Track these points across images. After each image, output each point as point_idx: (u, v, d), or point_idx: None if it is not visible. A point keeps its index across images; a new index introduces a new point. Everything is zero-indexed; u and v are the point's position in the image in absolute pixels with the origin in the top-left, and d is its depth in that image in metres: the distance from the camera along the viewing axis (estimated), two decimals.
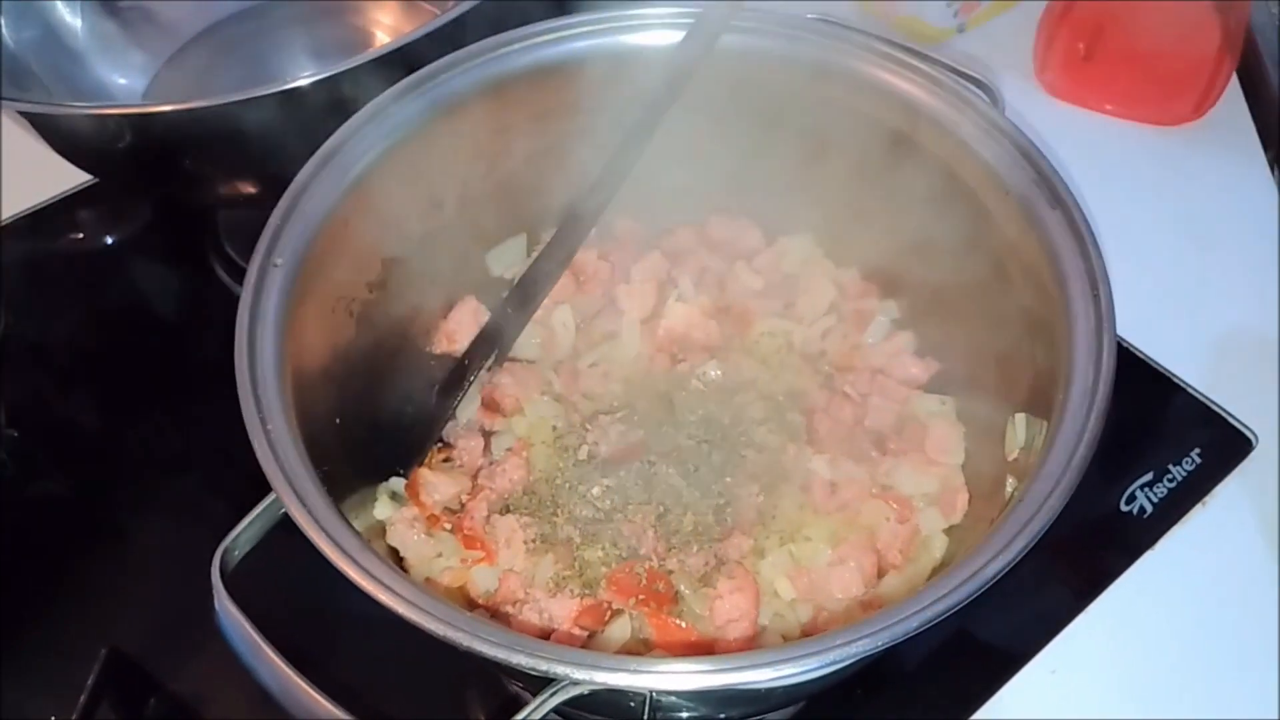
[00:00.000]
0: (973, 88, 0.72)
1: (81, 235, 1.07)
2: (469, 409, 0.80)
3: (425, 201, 0.78)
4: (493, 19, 0.82)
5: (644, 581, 0.67)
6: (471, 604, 0.70)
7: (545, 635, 0.66)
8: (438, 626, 0.50)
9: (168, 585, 0.79)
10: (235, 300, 0.96)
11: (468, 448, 0.77)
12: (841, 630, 0.49)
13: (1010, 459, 0.67)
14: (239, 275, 0.99)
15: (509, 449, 0.77)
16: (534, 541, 0.70)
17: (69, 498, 0.88)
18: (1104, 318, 0.59)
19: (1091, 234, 0.62)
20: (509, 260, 0.87)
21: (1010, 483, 0.64)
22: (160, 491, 0.86)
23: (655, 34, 0.78)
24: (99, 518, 0.85)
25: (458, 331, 0.81)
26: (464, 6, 0.82)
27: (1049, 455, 0.55)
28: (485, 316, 0.82)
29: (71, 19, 1.01)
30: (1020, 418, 0.67)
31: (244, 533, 0.59)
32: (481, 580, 0.70)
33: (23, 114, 0.79)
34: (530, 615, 0.67)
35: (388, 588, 0.52)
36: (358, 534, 0.56)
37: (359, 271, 0.74)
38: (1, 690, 0.75)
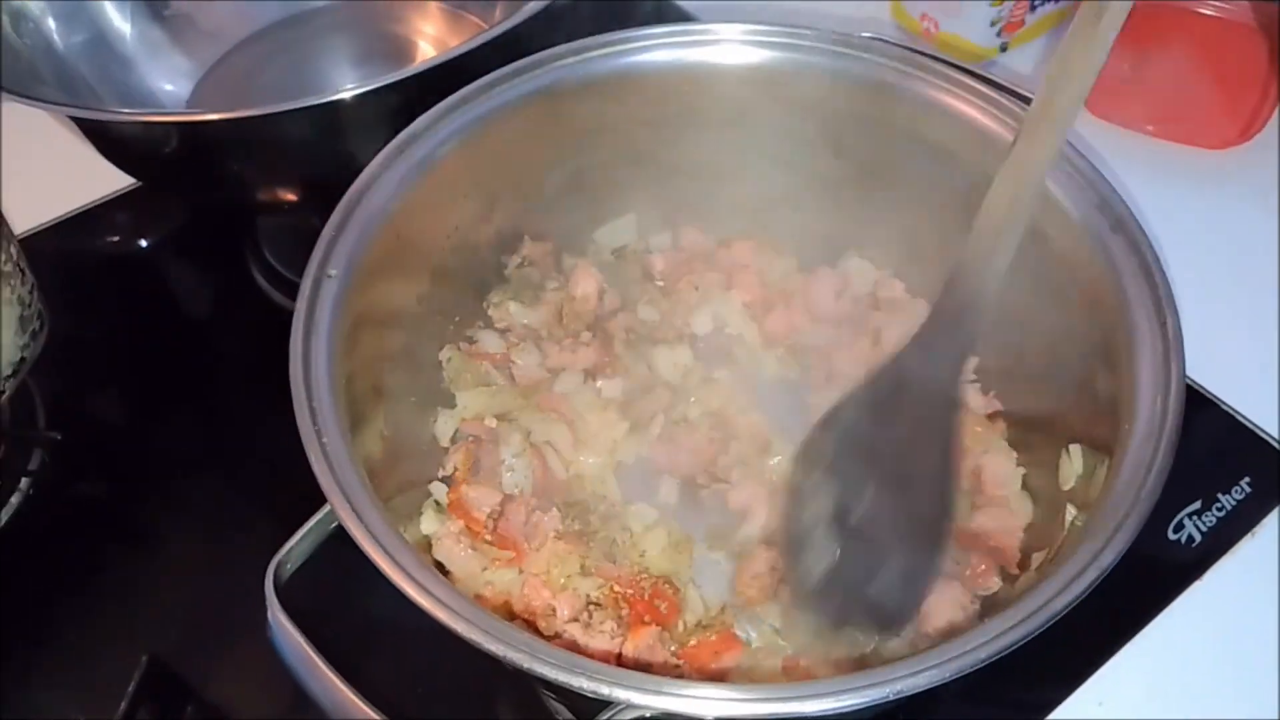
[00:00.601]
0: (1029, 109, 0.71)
1: (118, 239, 1.07)
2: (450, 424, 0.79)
3: (473, 215, 0.78)
4: (541, 34, 0.82)
5: (646, 596, 0.67)
6: (512, 615, 0.69)
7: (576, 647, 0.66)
8: (497, 647, 0.50)
9: (207, 592, 0.79)
10: (274, 305, 0.99)
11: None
12: (909, 660, 0.48)
13: (1066, 488, 0.66)
14: (277, 281, 1.01)
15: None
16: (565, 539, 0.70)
17: (109, 501, 0.87)
18: (1171, 347, 0.58)
19: (1158, 261, 0.61)
20: (619, 237, 0.88)
21: (1071, 511, 0.63)
22: (201, 496, 0.85)
23: (718, 49, 0.77)
24: (139, 522, 0.85)
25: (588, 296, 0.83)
26: (512, 21, 0.82)
27: (1114, 486, 0.54)
28: (598, 277, 0.83)
29: (121, 24, 1.01)
30: (1075, 448, 0.66)
31: (297, 546, 0.59)
32: (506, 581, 0.70)
33: (74, 119, 0.79)
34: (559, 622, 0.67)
35: (447, 606, 0.51)
36: (413, 550, 0.55)
37: (409, 283, 0.74)
38: (39, 694, 0.75)
